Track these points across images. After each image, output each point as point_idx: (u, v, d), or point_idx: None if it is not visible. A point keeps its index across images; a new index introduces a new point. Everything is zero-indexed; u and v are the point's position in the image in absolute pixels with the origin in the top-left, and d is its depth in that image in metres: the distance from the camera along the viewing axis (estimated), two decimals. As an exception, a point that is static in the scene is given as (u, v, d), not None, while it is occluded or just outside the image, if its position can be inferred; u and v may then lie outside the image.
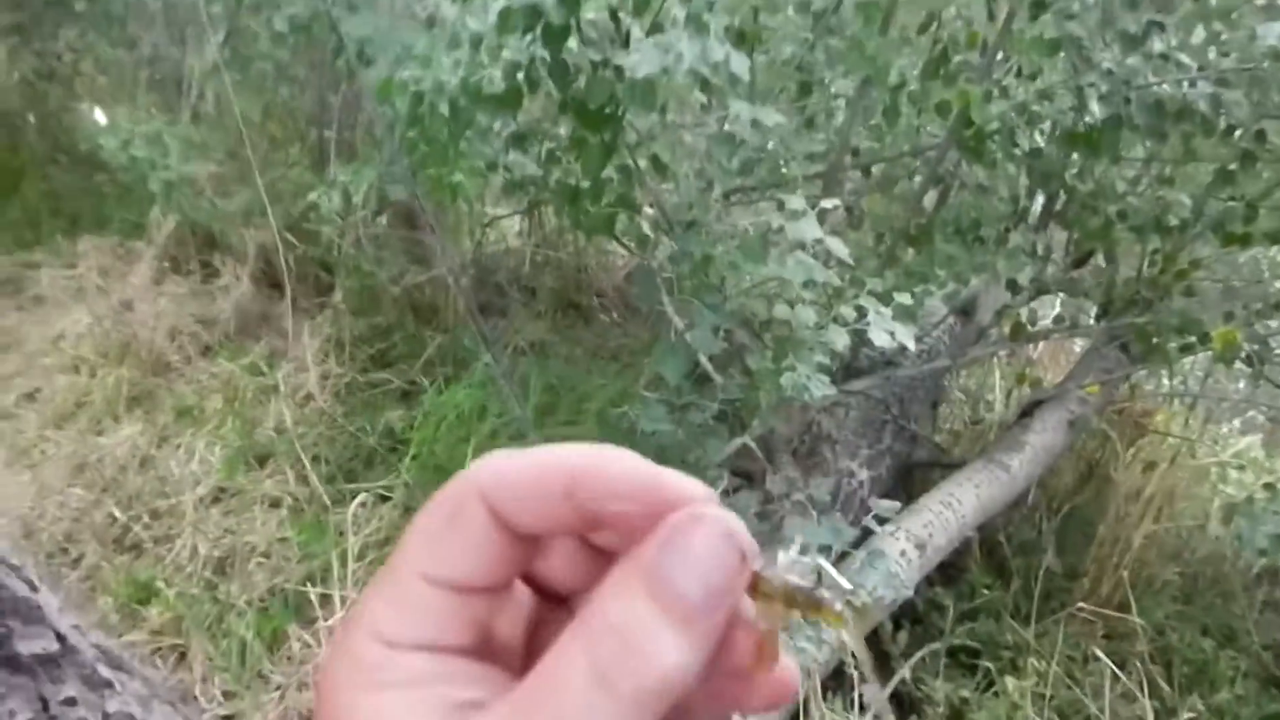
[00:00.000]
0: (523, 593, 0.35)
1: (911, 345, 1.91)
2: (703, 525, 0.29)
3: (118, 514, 2.59)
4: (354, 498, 2.65)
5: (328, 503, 2.67)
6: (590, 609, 0.28)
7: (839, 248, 1.84)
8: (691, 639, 0.27)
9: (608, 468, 0.30)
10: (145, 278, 3.56)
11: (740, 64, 1.69)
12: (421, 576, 0.30)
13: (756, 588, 0.30)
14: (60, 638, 0.98)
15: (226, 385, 3.11)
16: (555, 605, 0.35)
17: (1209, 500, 3.67)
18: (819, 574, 0.31)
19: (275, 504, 2.71)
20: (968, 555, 2.94)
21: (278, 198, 3.55)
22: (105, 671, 1.03)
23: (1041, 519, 3.19)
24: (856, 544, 2.25)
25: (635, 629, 0.27)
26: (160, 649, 2.29)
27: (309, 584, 2.45)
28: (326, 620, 2.34)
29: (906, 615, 2.64)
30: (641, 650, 0.27)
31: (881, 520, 2.08)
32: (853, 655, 1.98)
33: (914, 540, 2.38)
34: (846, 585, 0.31)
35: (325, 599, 2.40)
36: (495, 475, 0.31)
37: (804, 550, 0.31)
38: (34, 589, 0.98)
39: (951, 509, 2.49)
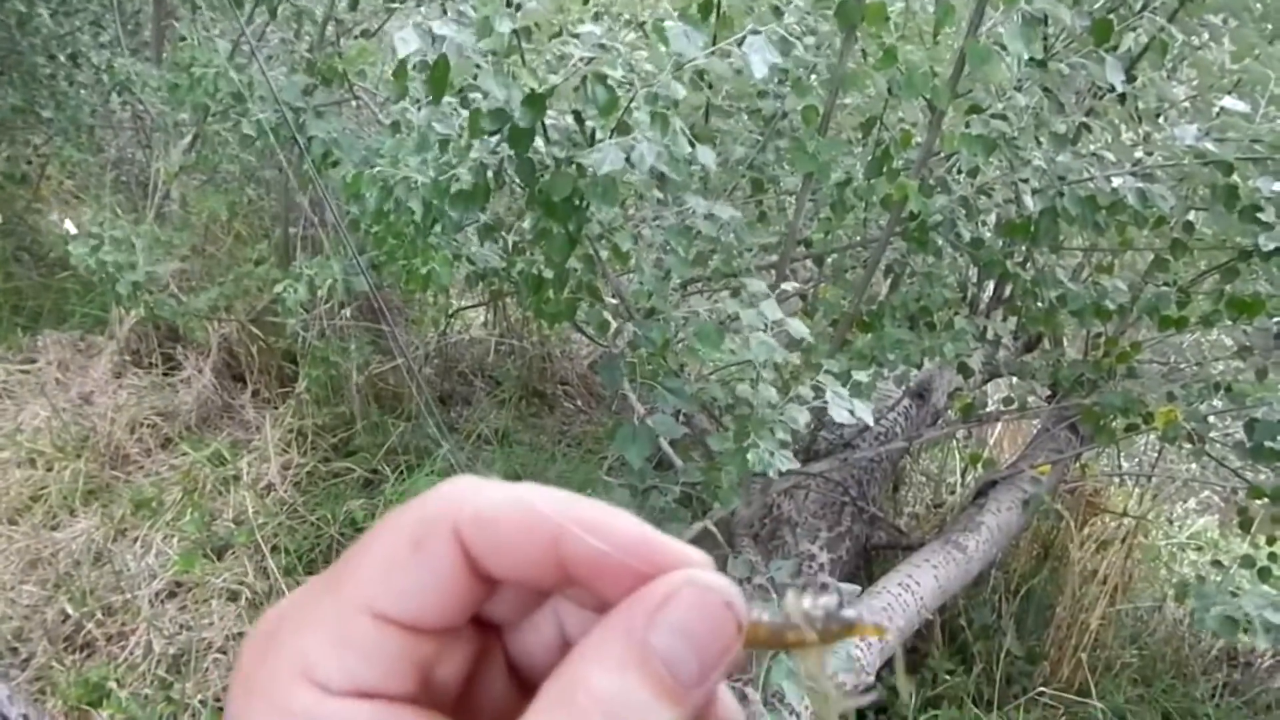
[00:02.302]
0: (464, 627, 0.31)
1: (870, 421, 1.97)
2: (699, 593, 0.26)
3: (70, 611, 2.54)
4: (314, 590, 2.62)
5: (286, 594, 2.64)
6: (571, 676, 0.26)
7: (799, 328, 1.91)
8: (683, 714, 0.26)
9: (602, 523, 0.27)
10: (105, 371, 3.54)
11: (708, 156, 1.79)
12: (370, 611, 0.26)
13: (753, 639, 0.28)
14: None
15: (186, 476, 3.08)
16: (487, 634, 0.32)
17: (1165, 581, 3.72)
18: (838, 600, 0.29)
19: (233, 597, 2.67)
20: (929, 640, 2.95)
21: (243, 293, 3.59)
22: (62, 760, 1.02)
23: (1001, 600, 3.22)
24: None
25: (624, 706, 0.25)
26: (111, 752, 2.22)
27: (267, 679, 2.40)
28: None
29: (870, 704, 2.63)
30: None
31: (842, 603, 2.11)
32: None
33: (862, 639, 2.39)
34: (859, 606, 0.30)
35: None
36: (475, 515, 0.27)
37: (803, 589, 0.30)
38: (-7, 675, 0.98)
39: (910, 591, 2.52)
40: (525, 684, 0.32)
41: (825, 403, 1.92)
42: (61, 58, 4.01)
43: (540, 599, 0.31)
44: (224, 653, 2.51)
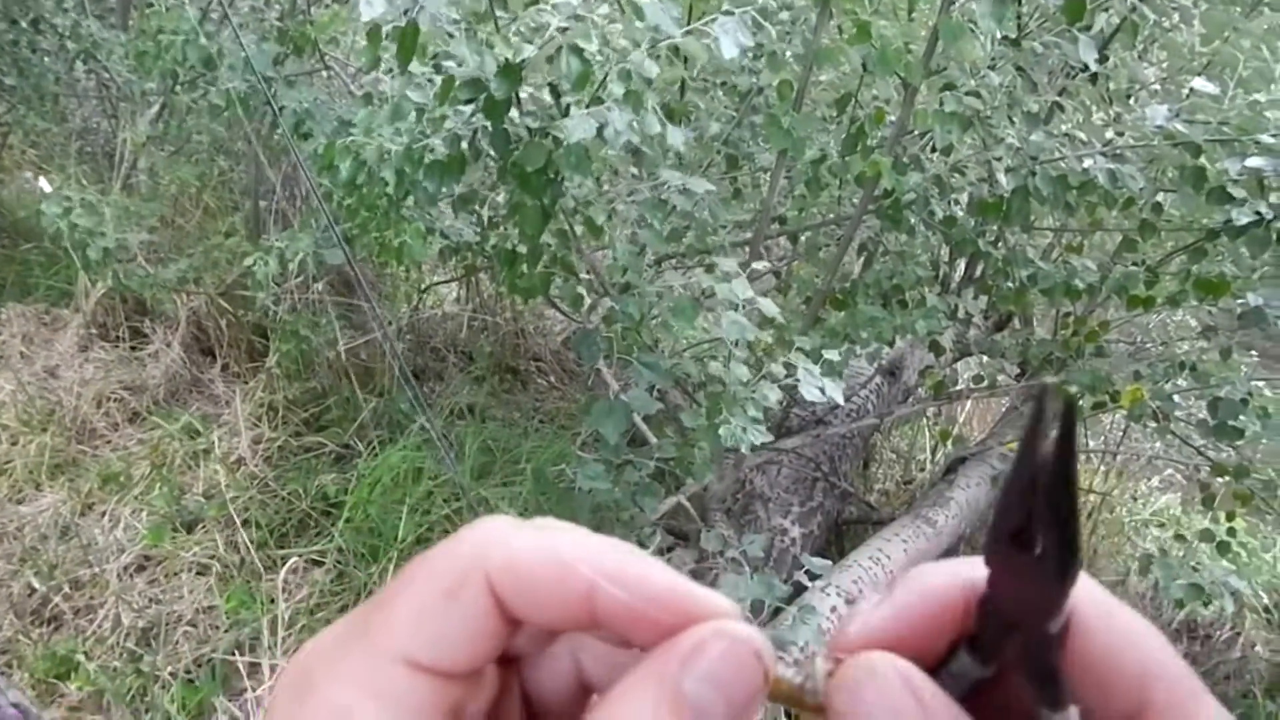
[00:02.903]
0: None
1: (840, 400, 1.99)
2: (729, 643, 0.27)
3: (36, 584, 2.51)
4: (285, 563, 2.61)
5: (259, 568, 2.63)
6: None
7: (770, 307, 1.92)
8: None
9: (636, 574, 0.28)
10: (71, 344, 3.49)
11: (677, 136, 1.78)
12: (403, 660, 0.27)
13: (775, 693, 0.29)
14: (-17, 693, 0.97)
15: (155, 451, 3.05)
16: (507, 666, 0.33)
17: (1129, 556, 3.79)
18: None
19: (203, 571, 2.65)
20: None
21: (212, 265, 3.55)
22: (28, 730, 1.02)
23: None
24: (789, 600, 2.29)
25: None
26: (79, 726, 2.21)
27: (237, 653, 2.40)
28: (255, 690, 2.29)
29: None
30: None
31: (813, 576, 2.13)
32: None
33: (844, 595, 2.43)
34: None
35: (254, 668, 2.35)
36: (509, 566, 0.28)
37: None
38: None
39: (880, 564, 2.55)
40: (538, 714, 0.33)
41: (797, 380, 1.94)
42: (24, 23, 3.91)
43: (558, 633, 0.32)
44: (194, 625, 2.50)
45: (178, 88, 3.14)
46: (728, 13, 1.69)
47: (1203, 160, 2.07)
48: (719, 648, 0.27)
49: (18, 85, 3.93)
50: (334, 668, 0.28)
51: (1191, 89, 2.14)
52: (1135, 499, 4.32)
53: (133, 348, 3.57)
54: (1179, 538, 2.77)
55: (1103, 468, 4.00)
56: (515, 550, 0.28)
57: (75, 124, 4.50)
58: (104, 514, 2.80)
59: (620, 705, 0.27)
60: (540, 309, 4.03)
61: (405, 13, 1.63)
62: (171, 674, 2.34)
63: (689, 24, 1.70)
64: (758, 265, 2.10)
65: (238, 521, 2.73)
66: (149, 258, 3.48)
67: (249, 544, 2.67)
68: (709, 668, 0.27)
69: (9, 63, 3.90)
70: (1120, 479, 4.13)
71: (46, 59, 3.98)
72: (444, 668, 0.28)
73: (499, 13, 1.68)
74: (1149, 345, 3.30)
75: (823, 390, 1.96)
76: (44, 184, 3.45)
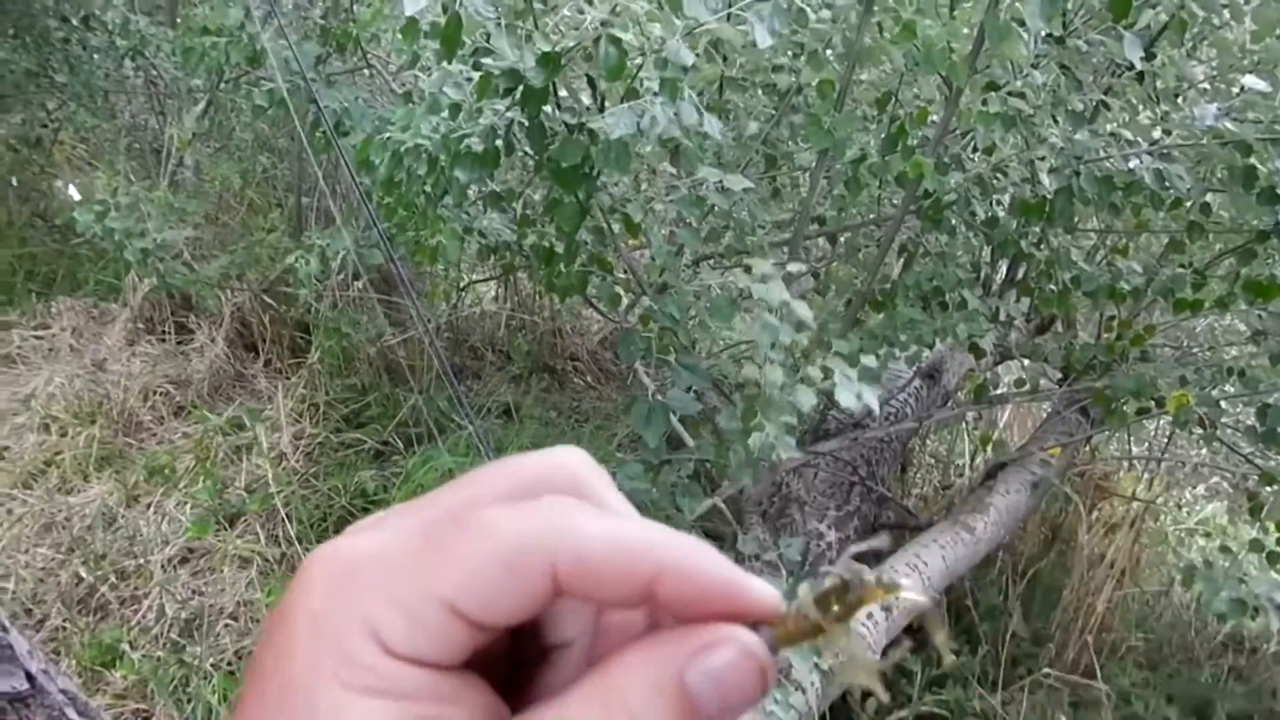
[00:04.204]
0: None
1: (876, 408, 1.96)
2: (739, 652, 0.29)
3: (84, 574, 2.57)
4: (324, 558, 2.64)
5: (299, 563, 2.66)
6: (607, 681, 0.29)
7: (804, 311, 1.90)
8: None
9: (698, 566, 0.29)
10: (119, 338, 3.56)
11: (714, 125, 1.78)
12: (447, 605, 0.28)
13: (786, 639, 0.31)
14: (30, 678, 0.99)
15: (199, 444, 3.10)
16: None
17: (1173, 566, 3.72)
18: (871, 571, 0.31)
19: (245, 564, 2.69)
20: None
21: (255, 261, 3.60)
22: (73, 715, 1.04)
23: (1007, 582, 3.22)
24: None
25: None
26: (124, 714, 2.25)
27: (276, 646, 2.42)
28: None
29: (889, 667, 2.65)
30: None
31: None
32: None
33: (881, 603, 2.40)
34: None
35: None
36: (576, 557, 0.29)
37: (814, 575, 0.32)
38: (4, 630, 1.00)
39: (918, 570, 2.52)
40: (550, 655, 0.34)
41: (833, 385, 1.92)
42: (75, 21, 4.00)
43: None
44: (235, 619, 2.54)
45: (222, 85, 3.19)
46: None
47: (1253, 160, 2.02)
48: (729, 653, 0.29)
49: (69, 82, 4.02)
50: (379, 586, 0.29)
51: (1242, 86, 2.09)
52: (1180, 507, 4.23)
53: (178, 342, 3.63)
54: (1225, 549, 2.71)
55: (1146, 474, 3.92)
56: (586, 540, 0.29)
57: (124, 120, 4.58)
58: (149, 506, 2.85)
59: (621, 673, 0.29)
60: (577, 308, 4.04)
61: (445, 9, 1.64)
62: (214, 665, 2.38)
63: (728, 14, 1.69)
64: (792, 267, 2.08)
65: (282, 513, 2.77)
66: (194, 254, 3.54)
67: (290, 538, 2.71)
68: (715, 667, 0.29)
69: (60, 59, 3.99)
70: (1165, 486, 4.04)
71: (96, 56, 4.07)
72: (484, 622, 0.29)
73: (537, 4, 1.68)
74: (1196, 350, 3.23)
75: (859, 396, 1.94)
76: (73, 191, 3.52)
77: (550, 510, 0.30)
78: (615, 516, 0.31)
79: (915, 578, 2.46)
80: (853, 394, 1.93)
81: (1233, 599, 2.39)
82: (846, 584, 0.31)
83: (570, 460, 0.33)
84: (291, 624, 0.29)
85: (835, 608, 0.31)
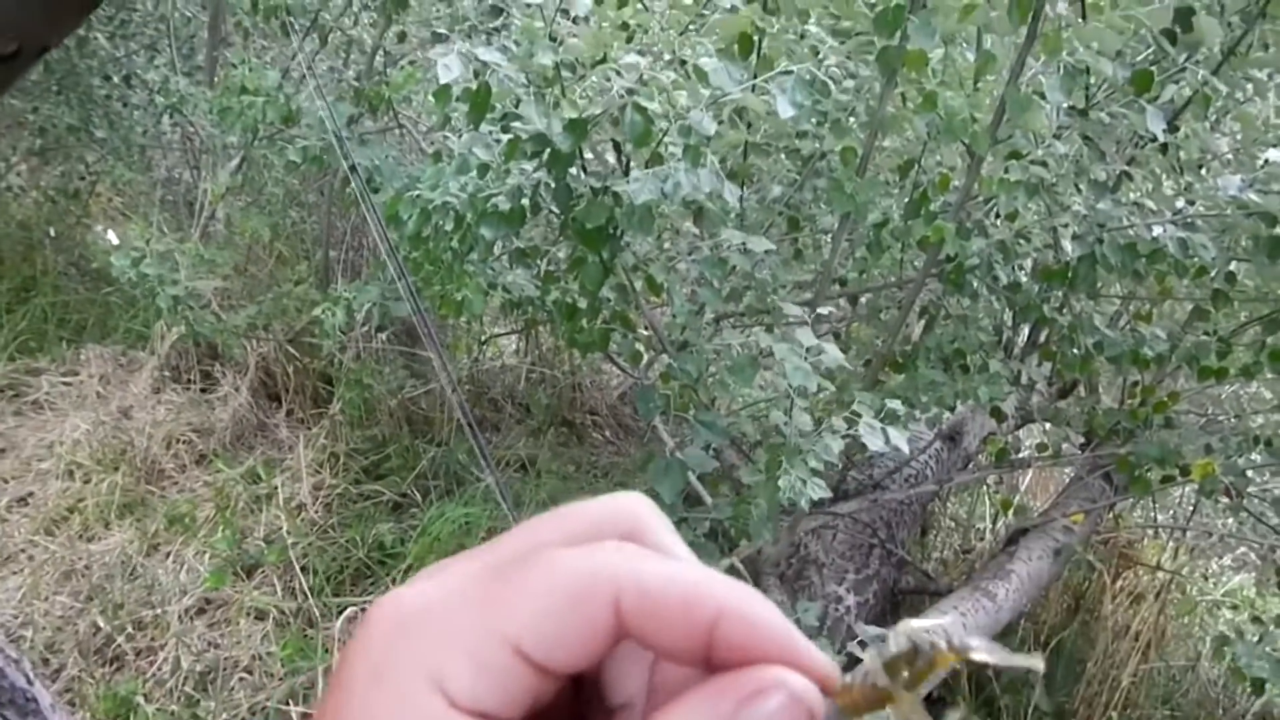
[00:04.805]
0: None
1: (905, 447, 1.94)
2: (788, 698, 0.28)
3: (101, 623, 2.57)
4: (341, 612, 2.63)
5: (315, 616, 2.65)
6: None
7: (835, 354, 1.90)
8: None
9: (755, 614, 0.29)
10: (145, 386, 3.61)
11: (731, 192, 1.80)
12: (512, 645, 0.28)
13: (852, 708, 0.30)
14: (51, 732, 0.99)
15: (219, 494, 3.12)
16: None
17: (1200, 639, 3.63)
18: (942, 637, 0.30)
19: (261, 616, 2.69)
20: (955, 690, 2.90)
21: (282, 312, 3.65)
22: (90, 770, 1.04)
23: (1030, 652, 3.15)
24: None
25: None
26: (135, 767, 2.24)
27: (291, 702, 2.41)
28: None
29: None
30: None
31: (866, 647, 2.08)
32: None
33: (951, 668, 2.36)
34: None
35: (306, 719, 2.36)
36: (640, 590, 0.28)
37: (879, 638, 0.31)
38: (30, 682, 1.00)
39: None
40: (595, 701, 0.34)
41: (857, 434, 1.90)
42: (116, 79, 4.13)
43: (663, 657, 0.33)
44: (249, 672, 2.53)
45: (256, 142, 3.27)
46: (787, 72, 1.71)
47: (1278, 230, 2.03)
48: (780, 698, 0.28)
49: (108, 137, 4.14)
50: (443, 626, 0.28)
51: (1266, 159, 2.10)
52: (1206, 578, 4.15)
53: (203, 390, 3.67)
54: (1256, 620, 2.65)
55: (1171, 543, 3.86)
56: (648, 576, 0.29)
57: (159, 174, 4.70)
58: (168, 555, 2.86)
59: (676, 718, 0.28)
60: (597, 363, 4.06)
61: (477, 75, 1.69)
62: None
63: (751, 82, 1.73)
64: (821, 310, 2.08)
65: (297, 568, 2.77)
66: (222, 304, 3.60)
67: (306, 591, 2.70)
68: (765, 713, 0.28)
69: (101, 115, 4.12)
70: (1191, 556, 3.97)
71: (136, 113, 4.20)
72: (550, 666, 0.28)
73: (565, 72, 1.73)
74: (1221, 417, 3.19)
75: (887, 438, 1.92)
76: (111, 236, 3.59)
77: (615, 550, 0.29)
78: (677, 560, 0.31)
79: (987, 640, 2.41)
80: (879, 439, 1.92)
81: (1275, 660, 2.33)
82: (916, 649, 0.30)
83: (632, 506, 0.33)
84: (351, 678, 0.28)
85: (905, 674, 0.29)
